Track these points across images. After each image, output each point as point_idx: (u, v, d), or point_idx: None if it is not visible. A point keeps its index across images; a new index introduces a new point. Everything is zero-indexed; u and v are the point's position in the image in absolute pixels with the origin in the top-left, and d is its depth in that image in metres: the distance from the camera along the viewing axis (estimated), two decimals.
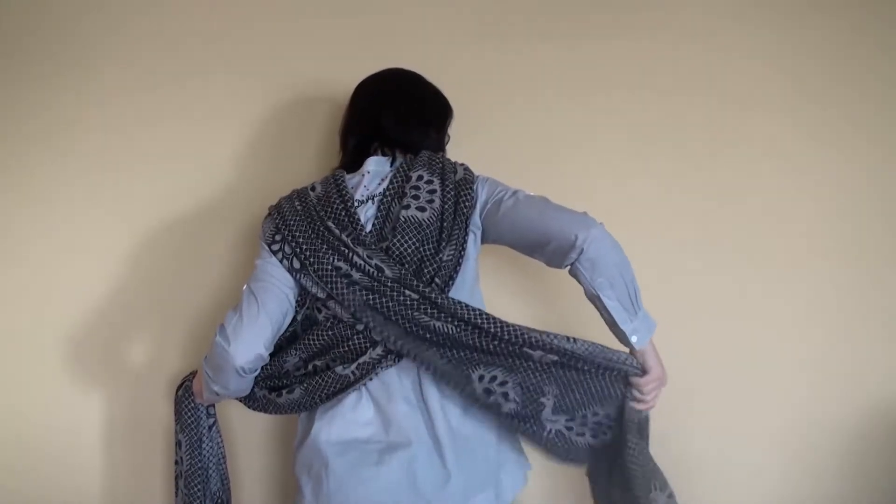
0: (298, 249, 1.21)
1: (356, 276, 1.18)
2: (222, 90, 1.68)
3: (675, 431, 1.60)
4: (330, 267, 1.19)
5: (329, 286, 1.18)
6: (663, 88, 1.65)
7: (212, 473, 1.31)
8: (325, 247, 1.20)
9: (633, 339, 1.20)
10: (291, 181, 1.52)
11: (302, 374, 1.27)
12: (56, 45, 1.70)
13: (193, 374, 1.36)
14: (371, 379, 1.22)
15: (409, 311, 1.16)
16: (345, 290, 1.18)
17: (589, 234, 1.14)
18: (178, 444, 1.32)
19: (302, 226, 1.23)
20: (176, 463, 1.32)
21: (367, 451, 1.20)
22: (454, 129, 1.44)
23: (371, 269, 1.18)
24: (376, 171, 1.30)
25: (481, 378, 1.18)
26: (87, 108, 1.69)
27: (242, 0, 1.71)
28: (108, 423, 1.66)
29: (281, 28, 1.69)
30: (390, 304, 1.16)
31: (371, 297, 1.17)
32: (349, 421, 1.22)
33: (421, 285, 1.17)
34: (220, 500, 1.32)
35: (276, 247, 1.23)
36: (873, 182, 1.62)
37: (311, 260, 1.20)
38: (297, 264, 1.21)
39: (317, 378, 1.23)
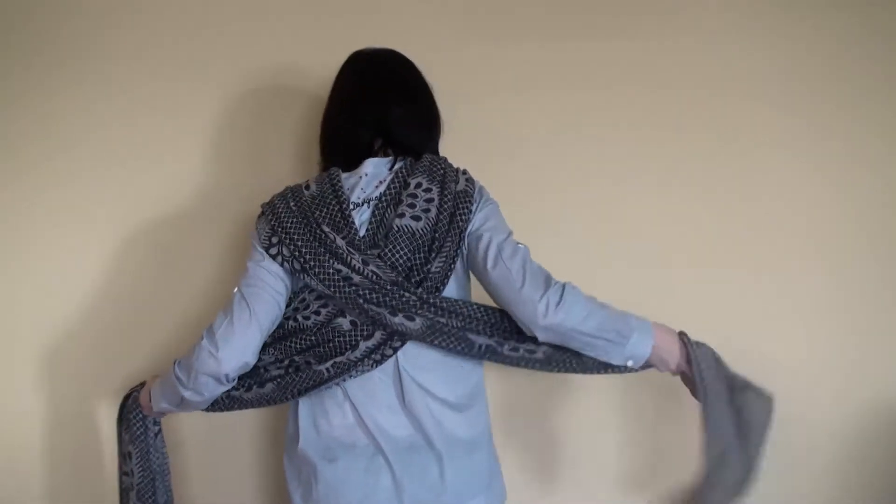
0: (297, 252, 1.19)
1: (356, 279, 1.18)
2: (202, 88, 1.64)
3: (674, 430, 1.59)
4: (332, 270, 1.18)
5: (333, 288, 1.18)
6: (662, 83, 1.63)
7: (158, 485, 1.30)
8: (322, 249, 1.18)
9: (630, 364, 1.24)
10: (279, 179, 1.49)
11: (276, 370, 1.24)
12: (39, 45, 1.66)
13: (141, 385, 1.34)
14: (345, 380, 1.20)
15: (413, 308, 1.19)
16: (347, 291, 1.18)
17: (545, 334, 1.18)
18: (128, 455, 1.29)
19: (299, 228, 1.20)
20: (126, 475, 1.30)
21: (355, 458, 1.19)
22: (445, 126, 1.41)
23: (369, 273, 1.18)
24: (374, 173, 1.25)
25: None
26: (69, 111, 1.65)
27: None
28: (89, 429, 1.63)
29: (263, 19, 1.66)
30: (395, 302, 1.18)
31: (374, 296, 1.18)
32: (335, 426, 1.21)
33: (418, 289, 1.19)
34: None
35: (273, 250, 1.21)
36: (878, 177, 1.61)
37: (312, 263, 1.18)
38: (297, 266, 1.20)
39: (290, 375, 1.22)
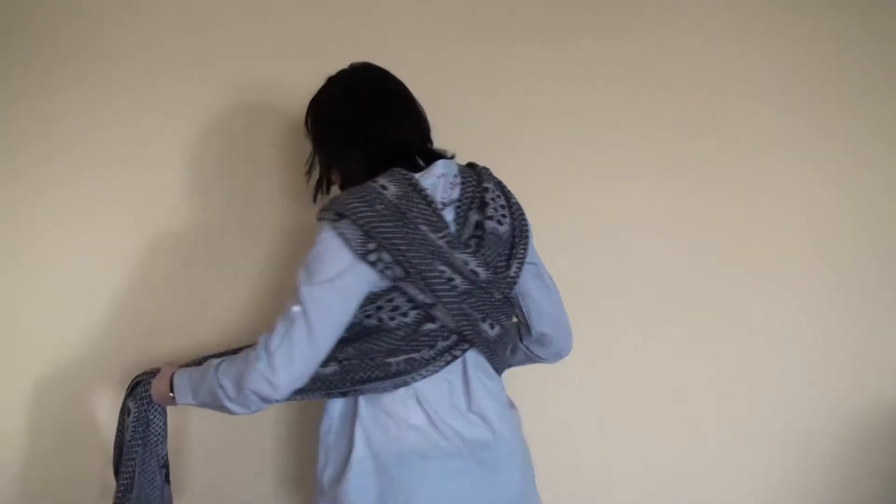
0: (402, 257, 1.11)
1: (458, 279, 1.15)
2: (203, 87, 1.64)
3: (673, 430, 1.59)
4: (436, 272, 1.13)
5: (436, 292, 1.14)
6: (663, 83, 1.64)
7: (161, 441, 1.29)
8: (424, 251, 1.13)
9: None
10: (279, 179, 1.47)
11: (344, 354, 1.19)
12: (39, 45, 1.64)
13: (152, 372, 1.28)
14: (415, 379, 1.16)
15: (496, 312, 1.20)
16: (451, 295, 1.15)
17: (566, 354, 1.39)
18: (127, 411, 1.27)
19: (398, 230, 1.11)
20: (120, 430, 1.28)
21: (435, 461, 1.15)
22: (442, 125, 1.40)
23: (468, 272, 1.16)
24: (447, 174, 1.23)
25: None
26: (69, 111, 1.64)
27: None
28: (86, 429, 1.62)
29: (263, 19, 1.66)
30: (485, 306, 1.18)
31: (472, 299, 1.16)
32: (406, 429, 1.16)
33: (504, 287, 1.20)
34: (166, 463, 1.30)
35: (372, 256, 1.10)
36: (878, 177, 1.61)
37: (422, 268, 1.12)
38: (399, 272, 1.12)
39: (357, 359, 1.16)
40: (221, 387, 1.13)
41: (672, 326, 1.61)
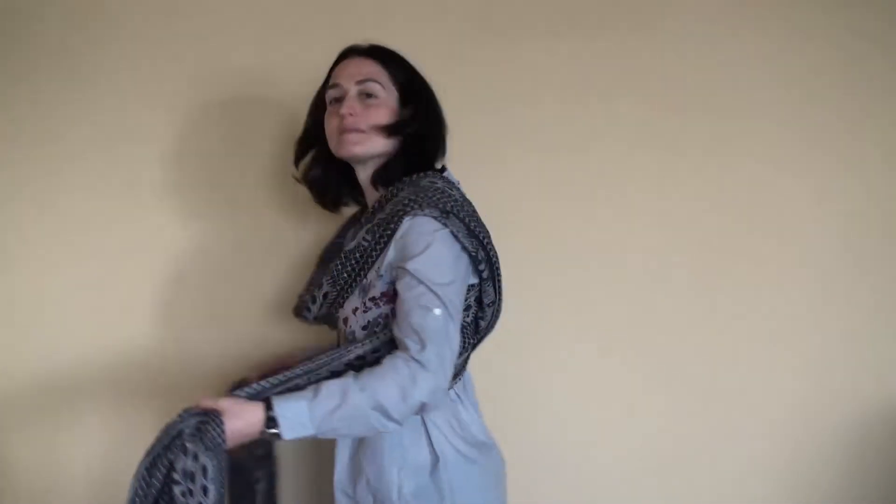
0: (493, 254, 1.13)
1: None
2: (202, 89, 1.62)
3: (674, 430, 1.59)
4: (500, 271, 1.18)
5: (500, 291, 1.17)
6: (657, 92, 1.60)
7: None
8: (494, 251, 1.15)
9: None
10: (266, 179, 1.46)
11: None
12: (45, 50, 1.65)
13: (207, 414, 0.97)
14: (460, 378, 1.18)
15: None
16: (501, 293, 1.19)
17: None
18: (202, 470, 0.95)
19: (482, 229, 1.12)
20: (183, 495, 0.94)
21: (485, 453, 1.18)
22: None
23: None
24: None
25: None
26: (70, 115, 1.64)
27: None
28: (90, 432, 1.61)
29: (263, 18, 1.64)
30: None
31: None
32: (462, 425, 1.16)
33: None
34: None
35: (480, 254, 1.10)
36: (872, 185, 1.60)
37: (497, 265, 1.15)
38: (492, 270, 1.14)
39: None
40: (380, 407, 0.99)
41: (671, 328, 1.61)
